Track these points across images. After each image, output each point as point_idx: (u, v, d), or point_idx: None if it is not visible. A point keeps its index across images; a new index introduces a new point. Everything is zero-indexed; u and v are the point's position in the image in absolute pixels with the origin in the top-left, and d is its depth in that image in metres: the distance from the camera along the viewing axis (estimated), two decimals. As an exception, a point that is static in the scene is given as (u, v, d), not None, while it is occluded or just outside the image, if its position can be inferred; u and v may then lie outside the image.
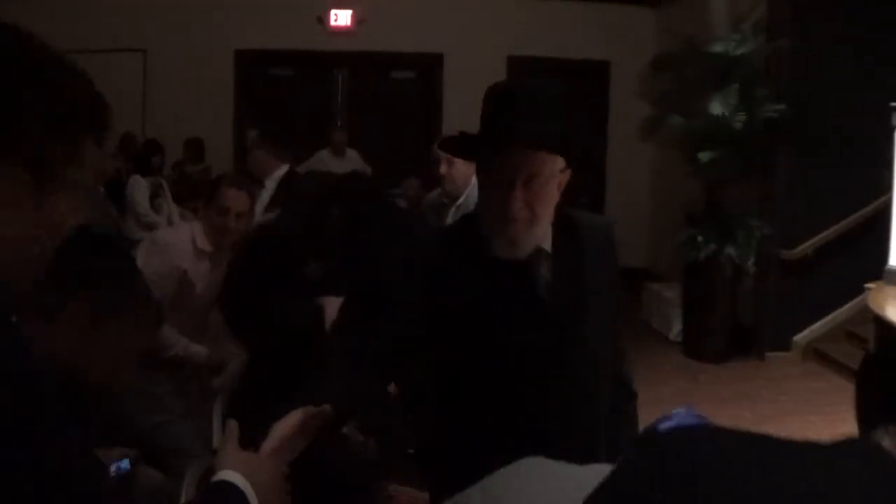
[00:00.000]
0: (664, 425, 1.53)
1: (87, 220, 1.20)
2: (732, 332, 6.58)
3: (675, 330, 7.03)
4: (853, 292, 6.03)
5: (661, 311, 7.37)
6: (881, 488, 0.71)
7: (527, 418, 1.67)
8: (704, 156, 6.24)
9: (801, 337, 6.66)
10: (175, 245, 3.25)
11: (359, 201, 3.63)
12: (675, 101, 6.59)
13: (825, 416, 5.13)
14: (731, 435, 0.75)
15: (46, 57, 0.93)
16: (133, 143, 7.43)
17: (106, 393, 1.52)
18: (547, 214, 1.65)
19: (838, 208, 6.45)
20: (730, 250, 6.35)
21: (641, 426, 1.94)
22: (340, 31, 8.96)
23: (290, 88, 9.15)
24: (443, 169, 3.78)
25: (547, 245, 1.70)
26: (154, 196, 6.37)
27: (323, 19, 8.92)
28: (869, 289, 4.94)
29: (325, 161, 7.72)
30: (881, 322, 4.25)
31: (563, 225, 1.72)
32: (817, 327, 6.65)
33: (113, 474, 1.74)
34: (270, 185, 5.50)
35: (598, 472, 1.30)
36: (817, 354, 6.50)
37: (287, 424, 1.34)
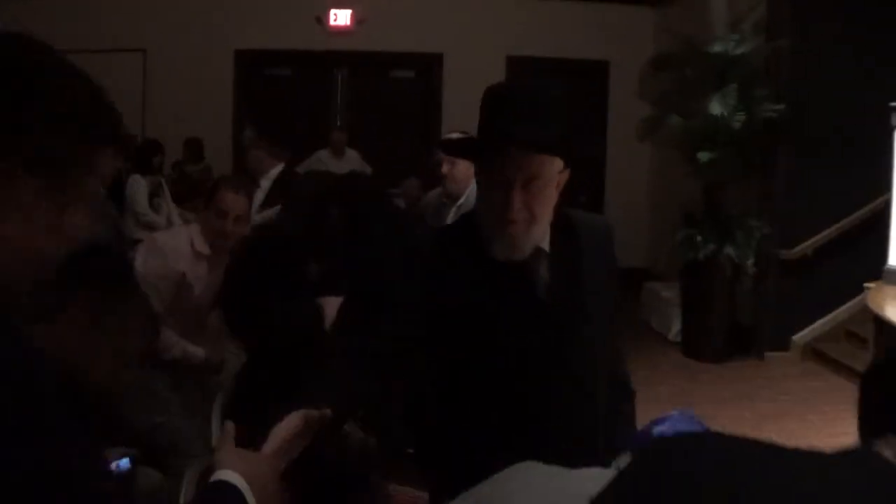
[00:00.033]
0: (658, 427, 1.53)
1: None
2: (732, 332, 6.59)
3: (675, 330, 7.03)
4: (853, 292, 6.04)
5: (661, 310, 7.37)
6: (882, 496, 0.71)
7: (526, 418, 1.67)
8: (704, 156, 6.25)
9: (800, 337, 6.67)
10: (174, 248, 3.27)
11: (358, 201, 3.63)
12: (675, 101, 6.60)
13: (824, 416, 5.13)
14: (733, 441, 0.75)
15: (68, 70, 0.94)
16: (133, 143, 7.42)
17: (106, 393, 1.52)
18: (546, 215, 1.65)
19: (838, 208, 6.45)
20: (729, 250, 6.35)
21: (639, 426, 1.94)
22: (340, 31, 8.96)
23: (290, 88, 9.15)
24: (445, 169, 3.79)
25: (545, 245, 1.70)
26: (153, 196, 6.37)
27: (322, 19, 8.92)
28: (868, 288, 4.94)
29: (323, 161, 7.71)
30: (881, 322, 4.26)
31: (562, 225, 1.73)
32: (817, 327, 6.65)
33: (113, 473, 1.74)
34: (266, 183, 5.50)
35: (590, 476, 1.30)
36: (816, 354, 6.50)
37: (287, 427, 1.34)
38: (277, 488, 1.24)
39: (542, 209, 1.62)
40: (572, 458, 1.47)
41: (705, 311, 6.56)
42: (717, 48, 6.37)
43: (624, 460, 1.46)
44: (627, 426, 1.87)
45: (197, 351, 3.31)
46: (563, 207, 1.73)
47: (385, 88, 9.34)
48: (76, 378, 1.37)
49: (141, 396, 3.06)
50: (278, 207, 5.04)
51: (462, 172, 3.67)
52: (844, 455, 0.78)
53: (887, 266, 5.01)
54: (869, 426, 0.98)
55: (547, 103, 1.61)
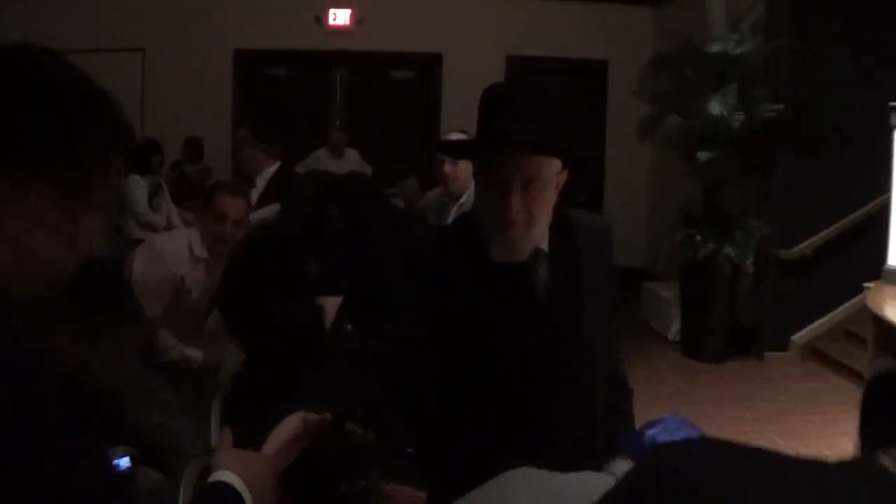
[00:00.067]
0: (650, 431, 1.53)
1: None
2: (731, 332, 6.59)
3: (674, 330, 7.03)
4: (852, 292, 6.04)
5: (660, 310, 7.37)
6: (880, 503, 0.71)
7: (526, 418, 1.67)
8: (703, 155, 6.25)
9: (799, 336, 6.67)
10: (172, 252, 3.29)
11: (358, 201, 3.64)
12: (674, 101, 6.60)
13: (824, 416, 5.14)
14: (729, 448, 0.75)
15: (85, 83, 0.96)
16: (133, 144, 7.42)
17: (106, 393, 1.53)
18: (545, 216, 1.65)
19: (837, 208, 6.45)
20: (728, 250, 6.35)
21: (638, 425, 1.94)
22: (339, 31, 8.96)
23: (289, 88, 9.15)
24: (447, 168, 3.79)
25: (544, 245, 1.70)
26: (153, 195, 6.37)
27: (321, 19, 8.92)
28: (868, 288, 4.94)
29: (323, 161, 7.71)
30: (880, 321, 4.25)
31: (560, 225, 1.72)
32: (816, 327, 6.65)
33: (115, 472, 1.74)
34: (261, 182, 5.51)
35: (584, 480, 1.31)
36: (816, 354, 6.50)
37: (286, 429, 1.35)
38: (276, 490, 1.24)
39: (541, 210, 1.62)
40: (571, 457, 1.47)
41: (705, 311, 6.57)
42: (716, 48, 6.37)
43: (616, 465, 1.46)
44: (627, 425, 1.87)
45: (195, 353, 3.34)
46: (562, 207, 1.72)
47: (384, 88, 9.34)
48: (76, 378, 1.38)
49: (140, 397, 3.08)
50: (274, 206, 5.06)
51: (465, 172, 3.67)
52: (845, 465, 0.78)
53: (886, 266, 5.01)
54: (871, 438, 0.98)
55: (546, 103, 1.61)
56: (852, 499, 0.71)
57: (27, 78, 0.92)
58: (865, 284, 5.06)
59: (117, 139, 0.98)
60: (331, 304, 2.62)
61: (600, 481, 1.32)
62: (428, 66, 9.18)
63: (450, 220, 3.68)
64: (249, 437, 1.30)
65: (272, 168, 5.53)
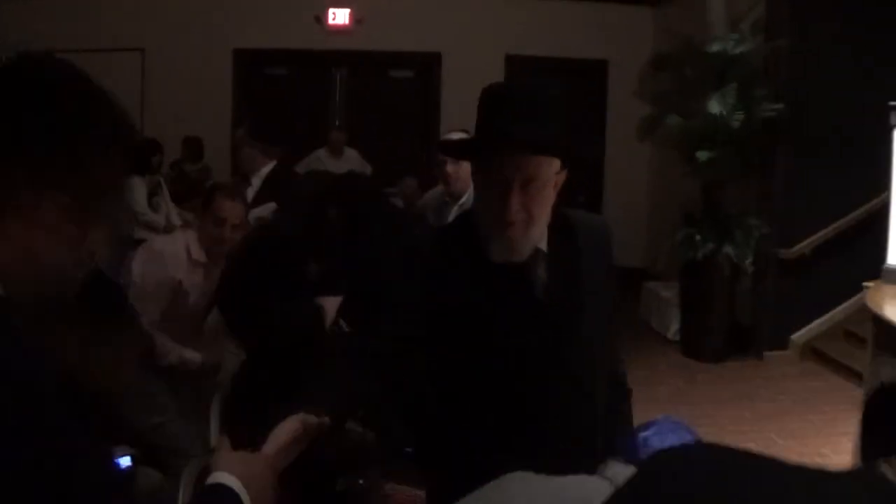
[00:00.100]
0: (644, 434, 1.53)
1: None
2: (731, 332, 6.59)
3: (674, 329, 7.03)
4: (851, 291, 6.04)
5: (660, 310, 7.37)
6: None
7: (525, 418, 1.67)
8: (703, 155, 6.25)
9: (799, 336, 6.67)
10: (171, 254, 3.30)
11: (357, 201, 3.64)
12: (674, 101, 6.60)
13: (823, 415, 5.14)
14: (728, 454, 0.76)
15: (86, 84, 0.97)
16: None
17: (106, 393, 1.53)
18: (544, 216, 1.65)
19: (836, 207, 6.46)
20: (728, 250, 6.35)
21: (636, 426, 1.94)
22: (338, 30, 8.96)
23: (289, 88, 9.14)
24: (450, 168, 3.79)
25: (543, 245, 1.70)
26: (152, 195, 6.37)
27: (321, 18, 8.91)
28: (867, 287, 4.94)
29: (322, 160, 7.71)
30: (879, 321, 4.25)
31: (560, 225, 1.72)
32: (815, 326, 6.66)
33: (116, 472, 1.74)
34: (257, 181, 5.52)
35: (581, 484, 1.31)
36: (815, 353, 6.50)
37: (285, 430, 1.35)
38: (274, 491, 1.24)
39: (540, 210, 1.62)
40: (571, 457, 1.47)
41: (704, 311, 6.57)
42: (716, 48, 6.37)
43: (609, 467, 1.45)
44: (626, 425, 1.87)
45: (193, 356, 3.35)
46: (562, 207, 1.72)
47: (384, 88, 9.33)
48: (76, 378, 1.38)
49: (139, 401, 3.09)
50: (270, 205, 5.07)
51: (467, 172, 3.67)
52: (843, 472, 0.78)
53: (886, 265, 5.01)
54: (873, 448, 0.98)
55: (545, 103, 1.61)
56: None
57: (27, 78, 0.92)
58: (865, 284, 5.06)
59: (118, 139, 0.98)
60: (331, 304, 2.63)
61: (595, 485, 1.33)
62: (427, 66, 9.18)
63: (451, 219, 3.69)
64: (249, 436, 1.30)
65: (268, 167, 5.54)
